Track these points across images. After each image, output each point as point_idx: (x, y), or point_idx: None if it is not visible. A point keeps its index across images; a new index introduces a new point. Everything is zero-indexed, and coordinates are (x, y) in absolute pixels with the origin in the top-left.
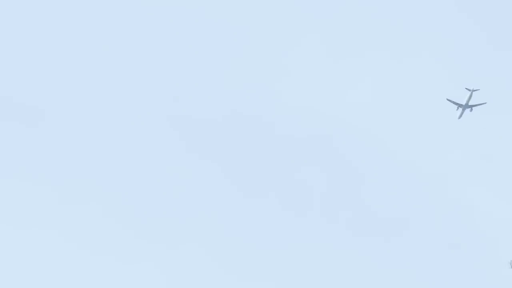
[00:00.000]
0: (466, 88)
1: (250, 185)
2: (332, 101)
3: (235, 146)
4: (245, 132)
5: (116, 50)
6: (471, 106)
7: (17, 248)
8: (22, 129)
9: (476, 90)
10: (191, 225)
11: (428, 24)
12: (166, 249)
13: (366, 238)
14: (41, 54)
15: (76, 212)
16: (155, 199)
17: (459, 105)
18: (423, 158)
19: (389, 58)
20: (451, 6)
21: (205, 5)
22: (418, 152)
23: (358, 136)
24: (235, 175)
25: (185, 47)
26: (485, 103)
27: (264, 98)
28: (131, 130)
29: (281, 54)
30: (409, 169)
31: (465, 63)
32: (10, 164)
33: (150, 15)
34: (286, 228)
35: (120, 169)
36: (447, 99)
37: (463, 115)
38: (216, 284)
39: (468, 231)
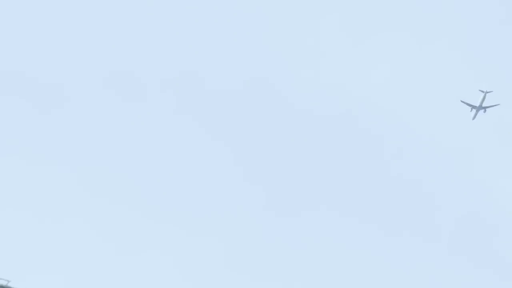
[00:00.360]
0: (480, 90)
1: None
2: (352, 80)
3: (254, 121)
4: (264, 109)
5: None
6: (485, 108)
7: (34, 232)
8: (45, 111)
9: (489, 92)
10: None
11: (451, 9)
12: (180, 240)
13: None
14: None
15: (92, 198)
16: (172, 186)
17: (473, 107)
18: (443, 134)
19: (409, 40)
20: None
21: None
22: (438, 129)
23: (380, 114)
24: (254, 154)
25: (206, 27)
26: (498, 104)
27: (286, 78)
28: (147, 111)
29: (302, 34)
30: (431, 144)
31: (482, 55)
32: (31, 148)
33: None
34: (300, 221)
35: (138, 156)
36: (461, 101)
37: (476, 116)
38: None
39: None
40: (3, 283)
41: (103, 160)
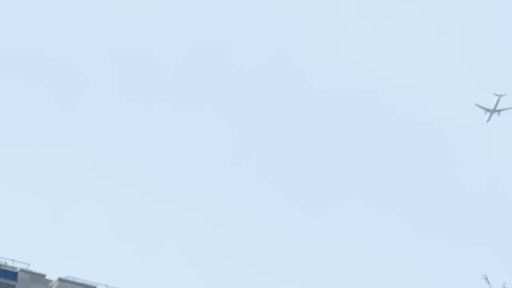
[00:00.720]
0: (494, 94)
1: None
2: (373, 59)
3: (274, 101)
4: (284, 89)
5: None
6: (499, 111)
7: (52, 217)
8: (66, 95)
9: (503, 95)
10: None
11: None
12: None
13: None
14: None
15: (109, 183)
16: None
17: (487, 110)
18: (465, 114)
19: (431, 17)
20: None
21: None
22: (460, 108)
23: (402, 93)
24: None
25: (226, 4)
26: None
27: (306, 57)
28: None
29: (322, 13)
30: (449, 123)
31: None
32: (52, 131)
33: None
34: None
35: (155, 140)
36: (476, 104)
37: (491, 119)
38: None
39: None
40: (23, 266)
41: (118, 144)
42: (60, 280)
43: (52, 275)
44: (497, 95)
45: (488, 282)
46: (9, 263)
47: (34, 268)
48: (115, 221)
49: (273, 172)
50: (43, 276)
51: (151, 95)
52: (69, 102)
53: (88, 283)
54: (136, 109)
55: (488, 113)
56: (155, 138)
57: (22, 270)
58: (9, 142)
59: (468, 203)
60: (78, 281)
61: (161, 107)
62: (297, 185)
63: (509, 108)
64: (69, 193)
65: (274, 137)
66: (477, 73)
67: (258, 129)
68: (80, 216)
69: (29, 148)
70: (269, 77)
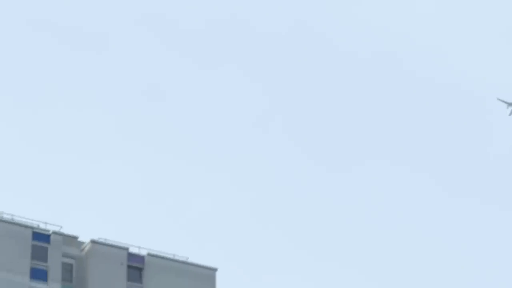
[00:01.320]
0: None
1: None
2: (396, 19)
3: (298, 65)
4: (308, 53)
5: None
6: None
7: (85, 178)
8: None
9: None
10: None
11: None
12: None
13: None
14: None
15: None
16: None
17: (510, 104)
18: (491, 74)
19: None
20: None
21: None
22: (486, 68)
23: (425, 54)
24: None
25: None
26: None
27: (328, 20)
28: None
29: None
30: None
31: None
32: (80, 91)
33: None
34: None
35: (180, 99)
36: (498, 99)
37: None
38: None
39: None
40: (56, 228)
41: (147, 105)
42: (93, 242)
43: (84, 237)
44: None
45: None
46: (42, 226)
47: (66, 230)
48: (147, 182)
49: (298, 134)
50: (75, 238)
51: (177, 58)
52: (94, 61)
53: (120, 245)
54: (165, 70)
55: (511, 108)
56: (185, 99)
57: (54, 233)
58: (40, 102)
59: (500, 166)
60: (110, 243)
61: (188, 68)
62: (323, 146)
63: None
64: (100, 154)
65: (300, 99)
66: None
67: (284, 91)
68: (111, 177)
69: (56, 108)
70: (291, 43)
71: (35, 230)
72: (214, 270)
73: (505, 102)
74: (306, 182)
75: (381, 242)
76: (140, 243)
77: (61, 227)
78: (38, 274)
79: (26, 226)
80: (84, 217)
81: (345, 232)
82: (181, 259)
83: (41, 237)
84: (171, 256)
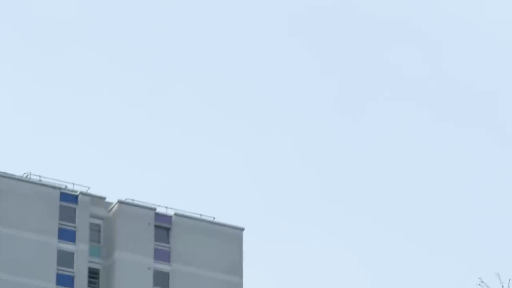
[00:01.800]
0: None
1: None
2: None
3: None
4: (350, 22)
5: None
6: None
7: (111, 138)
8: None
9: None
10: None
11: None
12: None
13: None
14: None
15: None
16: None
17: None
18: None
19: None
20: None
21: None
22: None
23: (444, 17)
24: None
25: None
26: None
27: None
28: None
29: None
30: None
31: None
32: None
33: None
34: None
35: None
36: None
37: None
38: None
39: None
40: (83, 189)
41: (177, 60)
42: (120, 202)
43: (112, 198)
44: None
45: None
46: (69, 187)
47: (94, 191)
48: (175, 141)
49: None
50: (103, 198)
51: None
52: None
53: (147, 205)
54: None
55: None
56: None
57: (82, 193)
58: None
59: None
60: (137, 203)
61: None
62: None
63: None
64: (126, 112)
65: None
66: None
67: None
68: (138, 138)
69: (84, 52)
70: (335, 18)
71: (62, 191)
72: (241, 229)
73: None
74: (338, 135)
75: (396, 184)
76: (167, 203)
77: (89, 187)
78: (66, 235)
79: (54, 187)
80: (111, 177)
81: (364, 174)
82: (208, 219)
83: (69, 198)
84: (198, 216)
